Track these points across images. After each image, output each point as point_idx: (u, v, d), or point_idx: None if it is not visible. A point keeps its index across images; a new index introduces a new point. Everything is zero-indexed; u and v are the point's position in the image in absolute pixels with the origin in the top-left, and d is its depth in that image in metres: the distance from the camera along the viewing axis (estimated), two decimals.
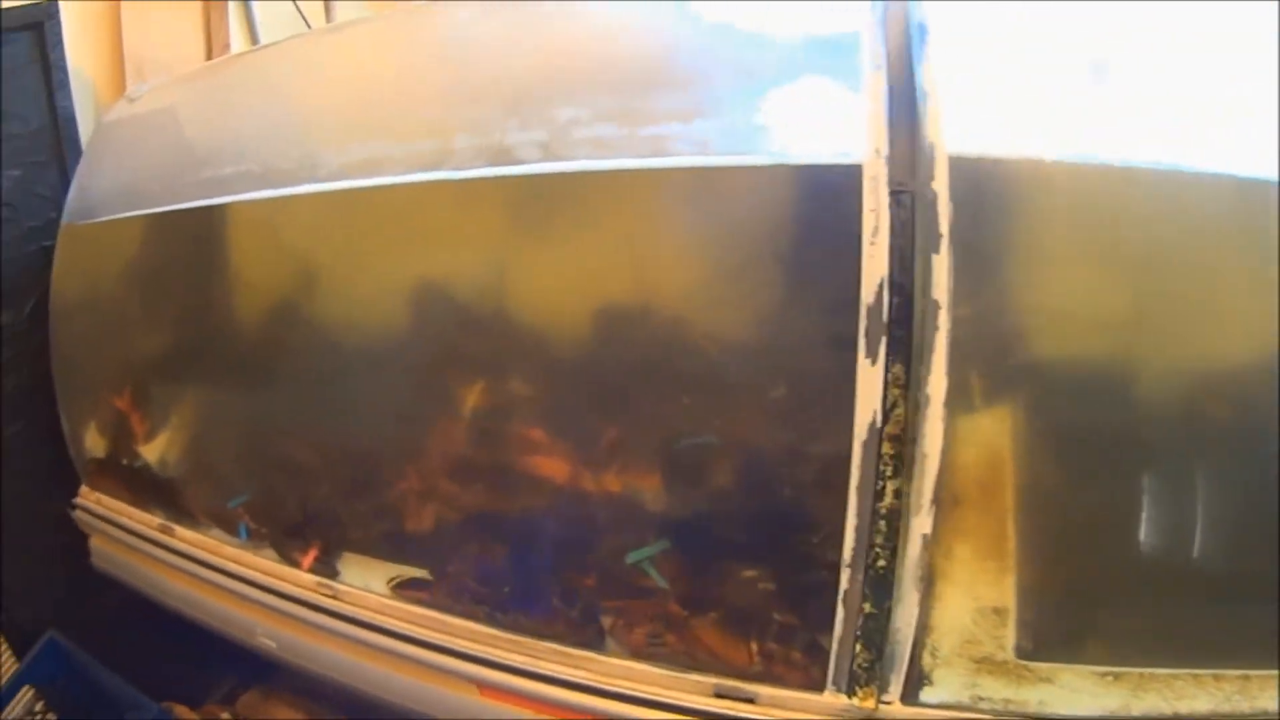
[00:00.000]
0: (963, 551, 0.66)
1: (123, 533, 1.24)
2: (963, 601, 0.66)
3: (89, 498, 1.30)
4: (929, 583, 0.66)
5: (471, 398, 0.86)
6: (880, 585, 0.67)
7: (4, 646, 1.47)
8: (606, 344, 0.79)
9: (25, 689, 1.42)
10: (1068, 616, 0.67)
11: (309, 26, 1.71)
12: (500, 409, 0.84)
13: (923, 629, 0.66)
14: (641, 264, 0.78)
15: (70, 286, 1.28)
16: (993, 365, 0.64)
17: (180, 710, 1.38)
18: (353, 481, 0.95)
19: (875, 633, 0.68)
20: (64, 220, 1.29)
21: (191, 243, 1.13)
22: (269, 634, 1.07)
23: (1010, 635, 0.65)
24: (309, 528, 0.99)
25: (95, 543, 1.34)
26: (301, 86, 1.10)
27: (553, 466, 0.80)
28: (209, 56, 1.61)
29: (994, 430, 0.65)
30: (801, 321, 0.70)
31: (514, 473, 0.83)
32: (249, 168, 1.09)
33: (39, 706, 1.43)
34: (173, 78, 1.38)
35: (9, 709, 1.42)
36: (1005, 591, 0.65)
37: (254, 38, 1.65)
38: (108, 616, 1.47)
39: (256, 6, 1.67)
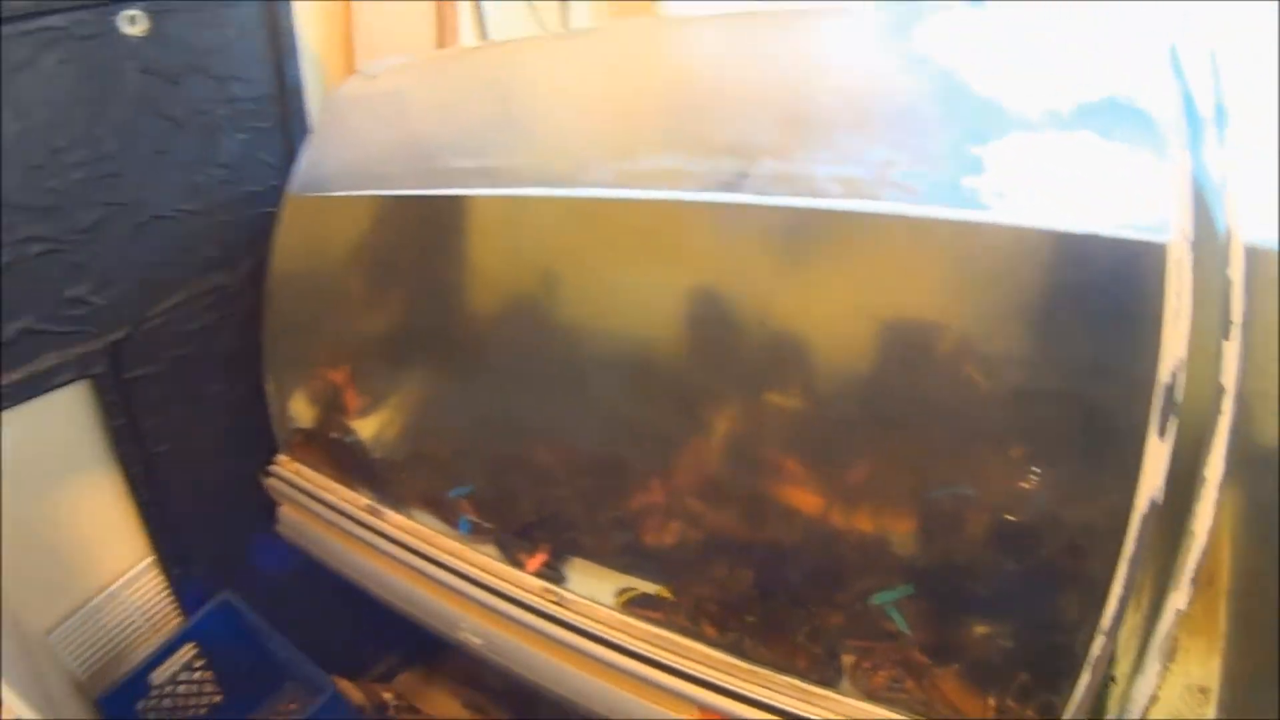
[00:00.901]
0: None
1: (322, 506, 1.57)
2: (1176, 677, 0.85)
3: (288, 467, 1.64)
4: (1170, 657, 0.84)
5: (728, 419, 1.09)
6: (1128, 654, 0.86)
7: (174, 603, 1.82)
8: (874, 384, 1.01)
9: (188, 646, 1.80)
10: (1266, 703, 0.84)
11: (539, 20, 2.00)
12: (757, 434, 1.07)
13: (1151, 701, 0.85)
14: (920, 315, 0.99)
15: (292, 256, 1.62)
16: (1235, 450, 0.83)
17: (342, 684, 1.69)
18: (594, 489, 1.21)
19: (1109, 700, 0.87)
20: (291, 190, 1.62)
21: (427, 230, 1.43)
22: (475, 631, 1.34)
23: (1210, 714, 0.83)
24: (540, 530, 1.26)
25: (285, 511, 1.68)
26: (558, 90, 1.36)
27: (805, 499, 1.03)
28: (438, 39, 1.91)
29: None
30: (1089, 392, 0.89)
31: (765, 500, 1.06)
32: (493, 164, 1.37)
33: (199, 665, 1.76)
34: (408, 60, 1.68)
35: (168, 663, 1.78)
36: (1211, 671, 0.83)
37: (482, 24, 1.95)
38: (278, 584, 1.79)
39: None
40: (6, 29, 1.45)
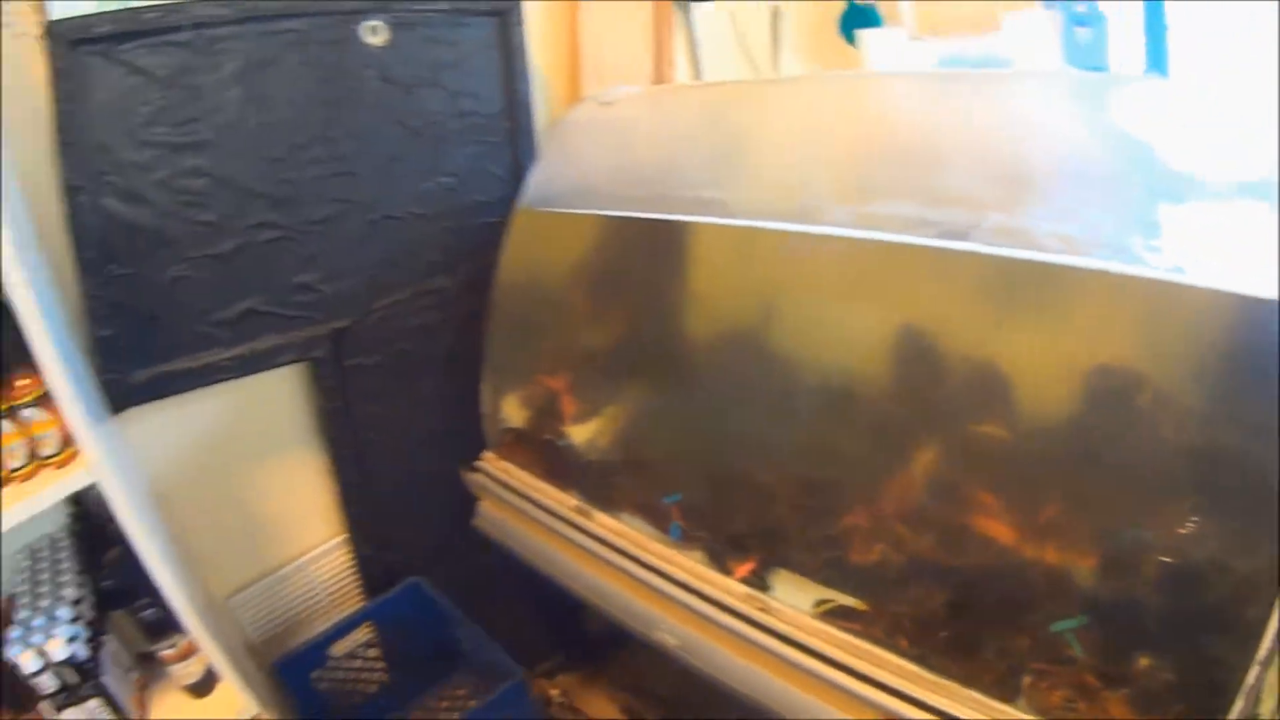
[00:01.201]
0: None
1: (528, 504, 1.98)
2: None
3: (494, 464, 2.07)
4: None
5: (933, 453, 1.43)
6: (1271, 695, 1.21)
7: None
8: (1071, 429, 1.32)
9: (365, 625, 2.23)
10: None
11: (750, 62, 2.43)
12: (959, 469, 1.41)
13: None
14: (1120, 366, 1.33)
15: (519, 265, 2.03)
16: None
17: None
18: (807, 508, 1.55)
19: None
20: (521, 204, 2.05)
21: (652, 251, 1.81)
22: (673, 632, 1.70)
23: None
24: (751, 540, 1.61)
25: (485, 506, 2.11)
26: (785, 132, 1.72)
27: (999, 530, 1.37)
28: (655, 73, 2.35)
29: None
30: (1261, 452, 1.23)
31: (962, 528, 1.39)
32: (720, 195, 1.74)
33: (373, 644, 2.23)
34: (637, 91, 2.10)
35: (348, 638, 2.25)
36: None
37: (697, 62, 2.39)
38: (458, 575, 2.26)
39: (700, 32, 2.41)
40: (254, 27, 1.94)
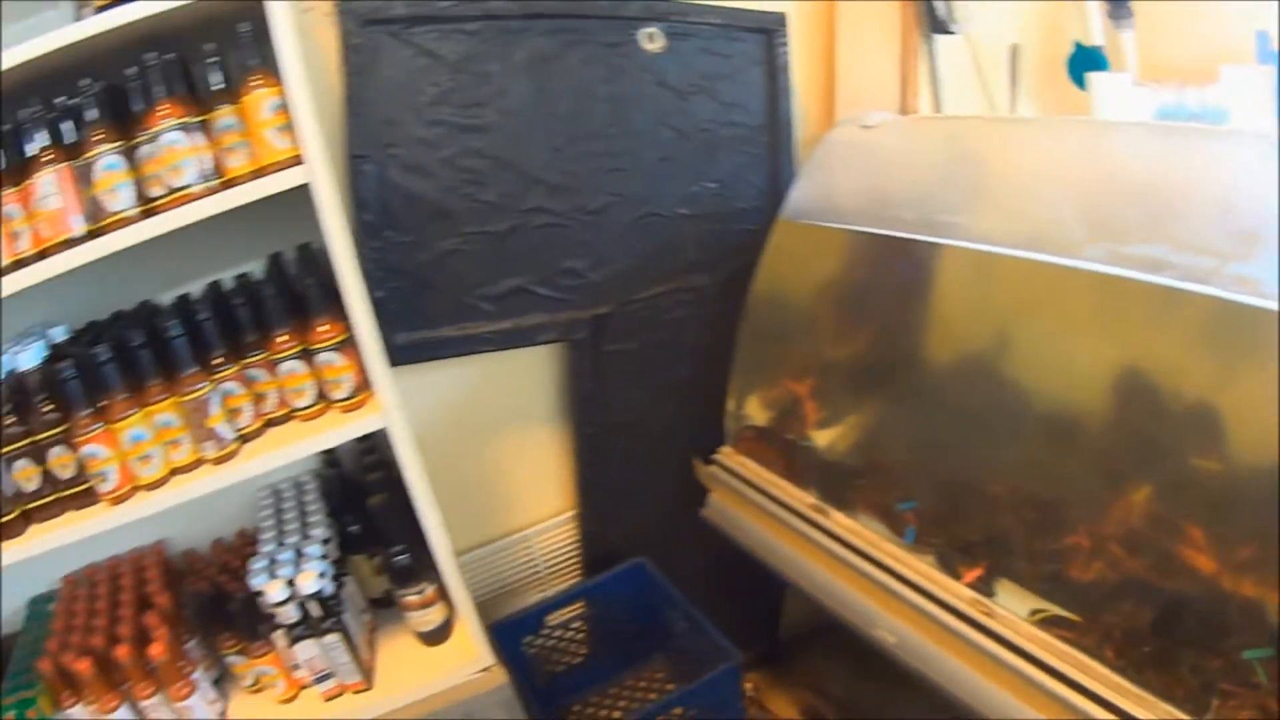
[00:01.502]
0: None
1: (764, 498, 2.17)
2: None
3: (731, 459, 2.21)
4: None
5: (1150, 484, 1.56)
6: None
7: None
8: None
9: (579, 603, 2.37)
10: None
11: (988, 99, 2.57)
12: (1171, 501, 1.53)
13: None
14: None
15: (775, 273, 2.24)
16: None
17: None
18: (1035, 524, 1.71)
19: None
20: (781, 215, 2.16)
21: (900, 270, 1.98)
22: (892, 629, 1.87)
23: None
24: (981, 549, 1.77)
25: (715, 497, 2.23)
26: (1034, 169, 1.86)
27: (1204, 561, 1.48)
28: (901, 93, 2.43)
29: None
30: None
31: (1171, 555, 1.52)
32: (968, 223, 1.88)
33: (580, 624, 2.37)
34: (894, 118, 2.23)
35: (565, 610, 2.45)
36: None
37: (938, 95, 2.53)
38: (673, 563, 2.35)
39: (942, 63, 2.49)
40: (541, 24, 2.16)
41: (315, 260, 2.02)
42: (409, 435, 1.87)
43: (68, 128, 1.70)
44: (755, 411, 2.31)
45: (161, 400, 1.80)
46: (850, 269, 2.15)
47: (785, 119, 2.35)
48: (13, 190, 1.71)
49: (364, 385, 1.88)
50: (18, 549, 1.83)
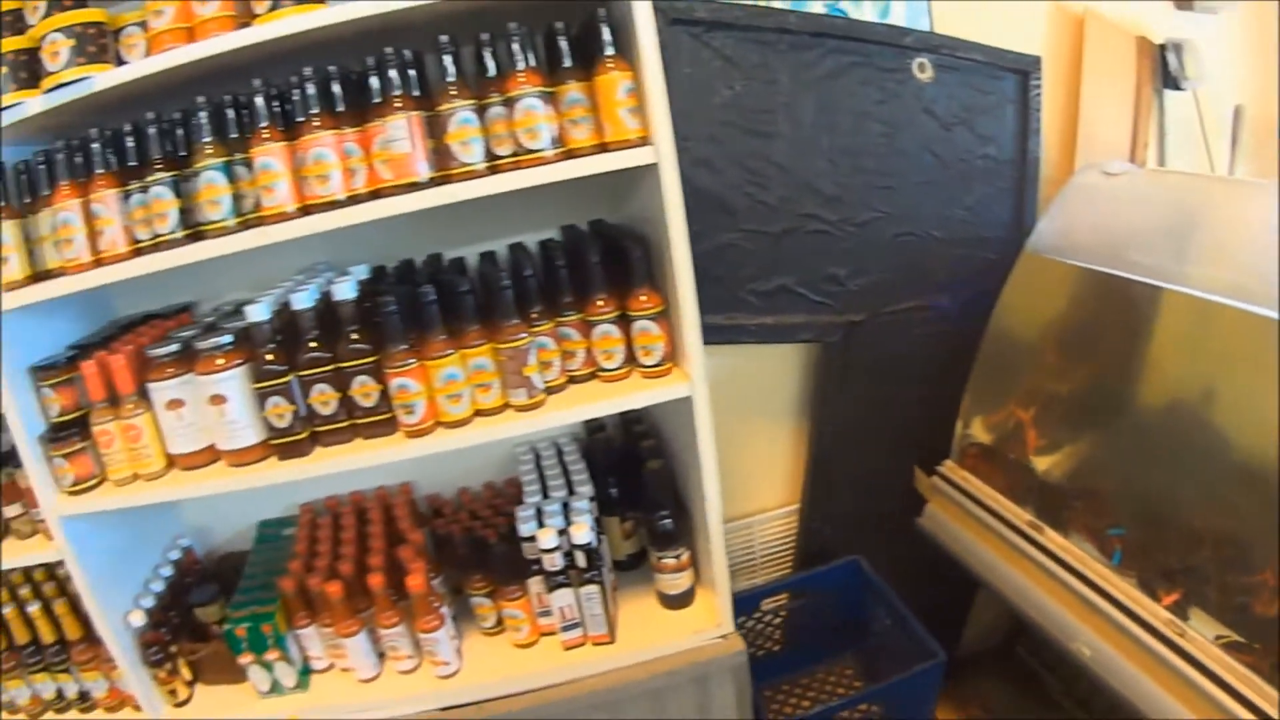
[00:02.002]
0: None
1: (983, 511, 2.26)
2: None
3: (954, 472, 2.30)
4: None
5: None
6: None
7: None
8: None
9: (786, 594, 2.41)
10: None
11: (1209, 158, 2.68)
12: None
13: None
14: None
15: (1015, 302, 2.33)
16: None
17: None
18: (1228, 560, 1.78)
19: None
20: (1027, 248, 2.25)
21: (1123, 310, 2.06)
22: (1091, 644, 1.97)
23: None
24: (1179, 576, 1.85)
25: (932, 507, 2.32)
26: (1249, 230, 1.92)
27: None
28: (1132, 143, 2.55)
29: None
30: None
31: None
32: (1194, 273, 1.94)
33: (783, 613, 2.40)
34: (1133, 168, 2.32)
35: (777, 597, 2.55)
36: None
37: (1163, 150, 2.64)
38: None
39: (1169, 118, 2.61)
40: (830, 43, 2.29)
41: (610, 234, 2.12)
42: (708, 407, 1.95)
43: (419, 78, 1.81)
44: (981, 431, 2.39)
45: (479, 345, 1.88)
46: (1081, 305, 2.22)
47: (1033, 157, 2.45)
48: (353, 130, 1.80)
49: (672, 355, 1.97)
50: (303, 467, 1.91)
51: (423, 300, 1.85)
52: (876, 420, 2.51)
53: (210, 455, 2.00)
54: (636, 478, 2.21)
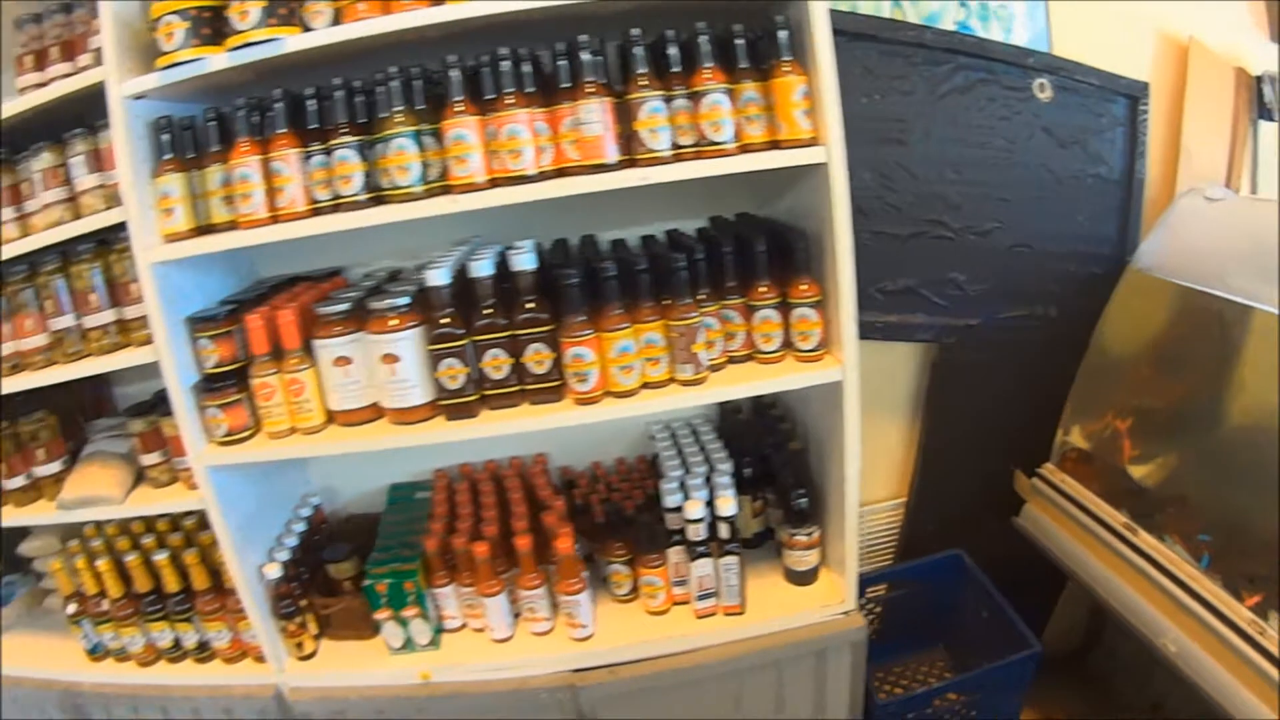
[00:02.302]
0: None
1: (1080, 512, 2.54)
2: None
3: (1054, 475, 2.57)
4: None
5: None
6: None
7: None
8: None
9: (885, 584, 2.70)
10: None
11: None
12: None
13: None
14: None
15: (1119, 316, 2.61)
16: None
17: None
18: None
19: None
20: (1133, 265, 2.54)
21: (1218, 329, 2.32)
22: (1176, 641, 2.23)
23: None
24: (1262, 581, 2.10)
25: (1030, 508, 2.61)
26: None
27: None
28: (1228, 171, 2.86)
29: None
30: None
31: None
32: None
33: (880, 603, 2.71)
34: (1233, 194, 2.65)
35: (879, 586, 2.80)
36: None
37: (1254, 179, 2.94)
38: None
39: (1261, 147, 2.94)
40: (961, 59, 2.58)
41: (767, 227, 2.36)
42: (857, 393, 2.21)
43: (599, 65, 2.00)
44: (1080, 438, 2.65)
45: (652, 321, 2.08)
46: (1179, 322, 2.48)
47: (1139, 178, 2.69)
48: (542, 110, 2.00)
49: (827, 342, 2.21)
50: (470, 428, 2.10)
51: (603, 275, 2.04)
52: (982, 422, 2.82)
53: (373, 413, 2.18)
54: (767, 458, 2.44)
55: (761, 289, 2.14)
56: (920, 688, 2.77)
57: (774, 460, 2.37)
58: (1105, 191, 2.72)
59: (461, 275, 2.02)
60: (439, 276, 1.99)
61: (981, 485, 2.77)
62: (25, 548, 2.76)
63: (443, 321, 2.00)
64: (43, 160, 2.19)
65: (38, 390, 2.31)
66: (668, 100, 1.98)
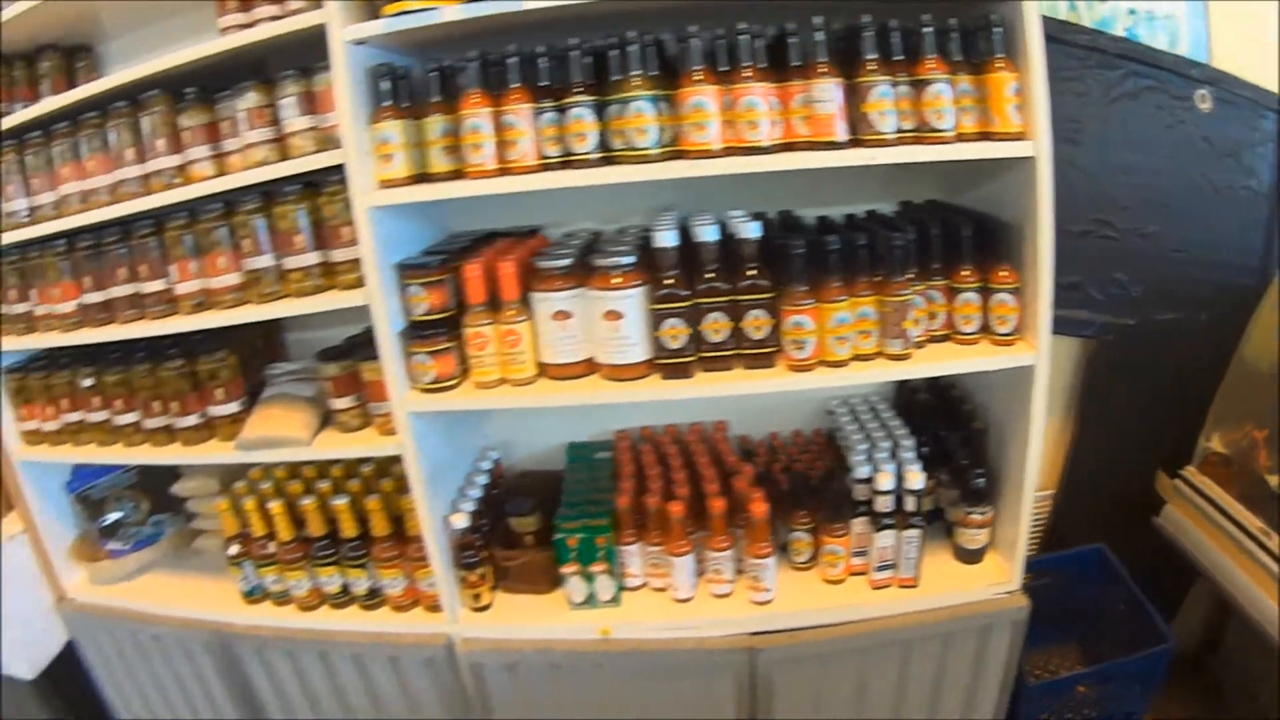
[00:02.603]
0: None
1: (1219, 515, 2.78)
2: None
3: (1195, 477, 2.87)
4: None
5: None
6: None
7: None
8: None
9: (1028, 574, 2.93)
10: None
11: None
12: None
13: None
14: None
15: (1263, 327, 2.86)
16: None
17: None
18: None
19: None
20: (1277, 278, 2.83)
21: None
22: None
23: None
24: None
25: (1170, 509, 2.89)
26: None
27: None
28: None
29: None
30: None
31: None
32: None
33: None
34: None
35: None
36: None
37: None
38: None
39: None
40: (1131, 65, 2.82)
41: (958, 212, 2.59)
42: (1047, 378, 2.39)
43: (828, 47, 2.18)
44: (1220, 443, 2.88)
45: (867, 295, 2.27)
46: None
47: None
48: (775, 85, 2.18)
49: (1021, 328, 2.37)
50: (683, 388, 2.27)
51: (825, 248, 2.25)
52: (1130, 421, 3.06)
53: (586, 368, 2.34)
54: (942, 438, 2.65)
55: (964, 272, 2.34)
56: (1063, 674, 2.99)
57: (950, 440, 2.50)
58: (1254, 204, 2.87)
59: (689, 239, 2.18)
60: (668, 238, 2.16)
61: (1125, 483, 2.95)
62: (179, 488, 2.90)
63: (667, 282, 2.16)
64: (248, 100, 2.32)
65: (217, 330, 2.49)
66: (894, 85, 2.17)
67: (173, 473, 2.93)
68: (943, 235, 2.36)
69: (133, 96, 2.32)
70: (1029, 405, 2.33)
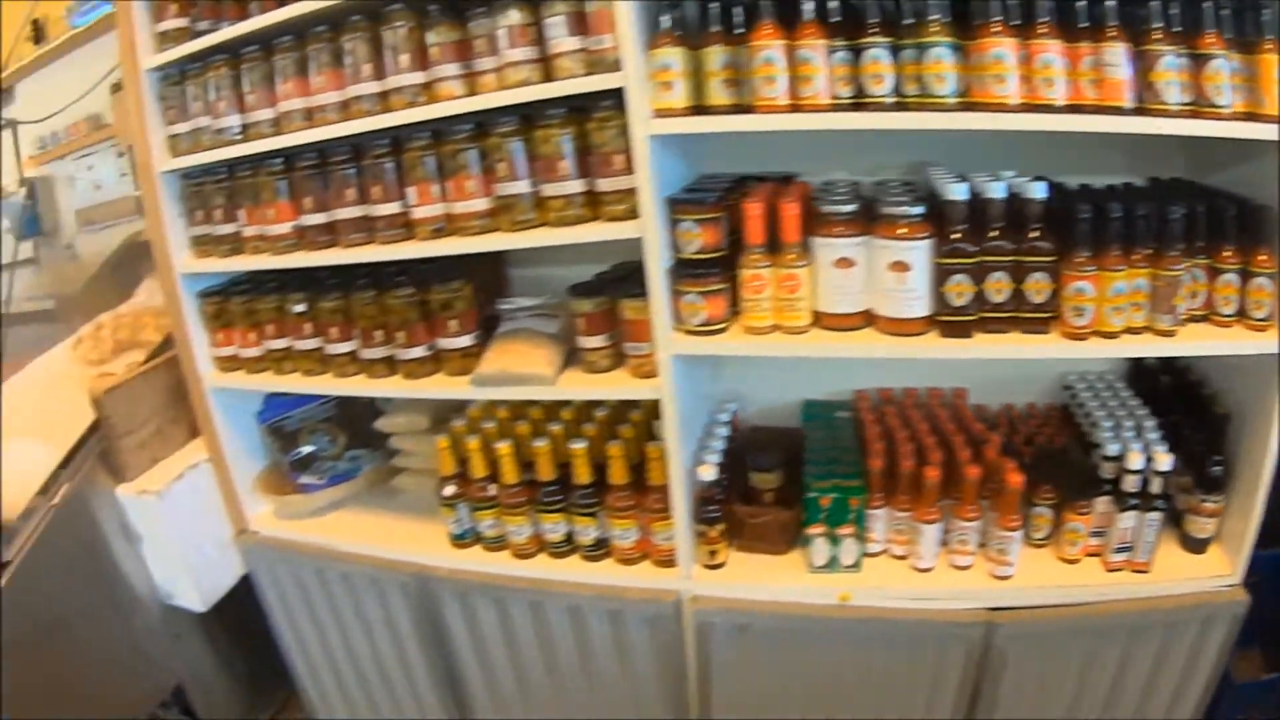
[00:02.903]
0: None
1: None
2: None
3: None
4: None
5: None
6: None
7: None
8: None
9: None
10: None
11: None
12: None
13: None
14: None
15: None
16: None
17: None
18: None
19: None
20: None
21: None
22: None
23: None
24: None
25: None
26: None
27: None
28: None
29: None
30: None
31: None
32: None
33: None
34: None
35: None
36: None
37: None
38: None
39: None
40: None
41: (1214, 193, 2.64)
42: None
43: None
44: None
45: (1143, 267, 2.41)
46: None
47: None
48: (1065, 45, 2.30)
49: (1275, 314, 2.44)
50: (960, 347, 2.36)
51: (1108, 215, 2.39)
52: None
53: (862, 319, 2.43)
54: (1176, 422, 2.75)
55: (1227, 253, 2.47)
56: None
57: (1185, 424, 2.56)
58: None
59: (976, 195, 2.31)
60: (959, 191, 2.20)
61: None
62: (384, 423, 2.93)
63: (955, 237, 2.22)
64: (510, 17, 2.24)
65: (448, 261, 2.53)
66: (1178, 57, 2.31)
67: (373, 407, 2.93)
68: (1207, 214, 2.49)
69: (369, 12, 2.35)
70: (1275, 395, 2.44)
